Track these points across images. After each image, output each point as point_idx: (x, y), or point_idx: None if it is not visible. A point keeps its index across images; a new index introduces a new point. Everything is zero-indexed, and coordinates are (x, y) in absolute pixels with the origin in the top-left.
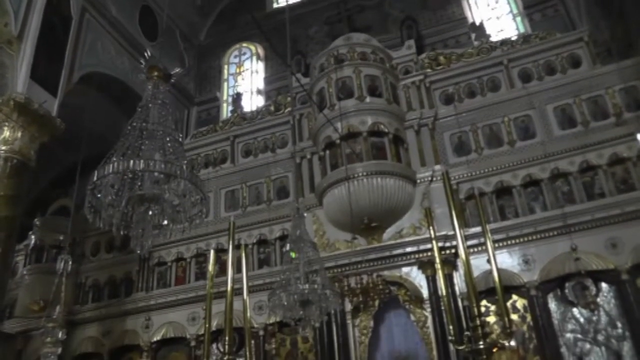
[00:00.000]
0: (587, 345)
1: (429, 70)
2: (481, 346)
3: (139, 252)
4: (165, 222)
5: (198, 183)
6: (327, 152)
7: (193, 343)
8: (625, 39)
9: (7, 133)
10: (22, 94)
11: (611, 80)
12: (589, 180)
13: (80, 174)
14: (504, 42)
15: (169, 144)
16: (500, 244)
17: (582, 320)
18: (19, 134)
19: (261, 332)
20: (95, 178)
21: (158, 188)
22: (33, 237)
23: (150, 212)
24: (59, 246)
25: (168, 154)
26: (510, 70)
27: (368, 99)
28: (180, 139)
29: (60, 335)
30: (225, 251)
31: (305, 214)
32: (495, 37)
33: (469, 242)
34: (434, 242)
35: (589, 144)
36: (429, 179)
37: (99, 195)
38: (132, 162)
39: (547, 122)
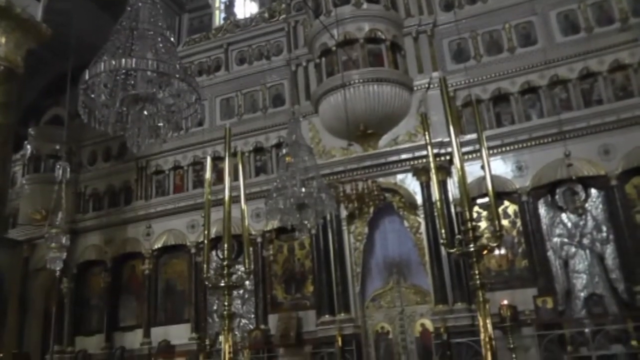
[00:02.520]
0: (573, 249)
1: None
2: (472, 249)
3: (135, 151)
4: (161, 123)
5: (192, 83)
6: (323, 59)
7: (193, 250)
8: None
9: None
10: None
11: None
12: (588, 87)
13: (71, 82)
14: None
15: (160, 45)
16: (495, 151)
17: (569, 225)
18: (3, 40)
19: (259, 239)
20: (87, 77)
21: (151, 87)
22: (29, 146)
23: (145, 112)
24: (56, 155)
25: (161, 54)
26: None
27: (365, 5)
28: (172, 40)
29: (64, 240)
30: (222, 159)
31: (301, 119)
32: None
33: (464, 149)
34: (429, 147)
35: (591, 50)
36: (426, 86)
37: (92, 96)
38: (124, 60)
39: (549, 29)
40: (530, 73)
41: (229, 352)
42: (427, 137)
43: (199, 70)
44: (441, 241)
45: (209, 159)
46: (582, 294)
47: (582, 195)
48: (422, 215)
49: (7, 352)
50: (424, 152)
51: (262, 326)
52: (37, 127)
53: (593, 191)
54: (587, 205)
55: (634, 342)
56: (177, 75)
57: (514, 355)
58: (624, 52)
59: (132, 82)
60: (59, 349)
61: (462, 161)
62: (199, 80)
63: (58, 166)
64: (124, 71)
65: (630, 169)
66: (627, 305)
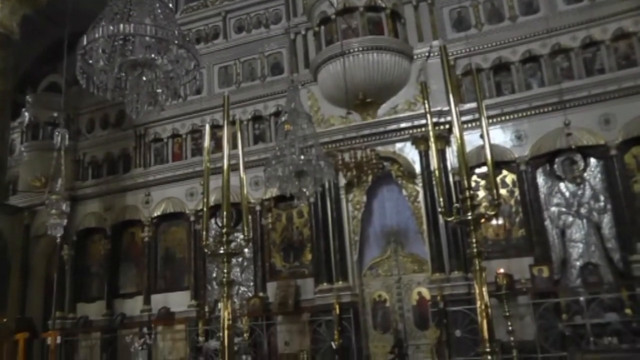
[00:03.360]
0: (570, 218)
1: None
2: (469, 217)
3: (134, 117)
4: (159, 89)
5: (191, 49)
6: (322, 27)
7: (192, 218)
8: None
9: None
10: None
11: None
12: (590, 56)
13: (68, 49)
14: None
15: (159, 11)
16: (494, 120)
17: (567, 194)
18: None
19: (258, 208)
20: (84, 43)
21: (150, 53)
22: (27, 114)
23: (144, 78)
24: (54, 123)
25: (159, 20)
26: None
27: None
28: (170, 6)
29: (64, 207)
30: (220, 127)
31: (299, 87)
32: None
33: (464, 118)
34: (428, 116)
35: (594, 18)
36: (426, 54)
37: (90, 61)
38: (122, 26)
39: None
40: (532, 42)
41: (228, 319)
42: (426, 106)
43: (197, 38)
44: (439, 210)
45: (207, 127)
46: (578, 263)
47: (581, 164)
48: (420, 184)
49: (11, 317)
50: (423, 121)
51: (261, 294)
52: (34, 94)
53: (592, 161)
54: (585, 174)
55: (627, 311)
56: (176, 42)
57: (509, 323)
58: (627, 20)
59: (130, 47)
60: (60, 315)
61: (461, 130)
62: (197, 48)
63: (57, 133)
64: (122, 37)
65: (630, 138)
66: (621, 275)
